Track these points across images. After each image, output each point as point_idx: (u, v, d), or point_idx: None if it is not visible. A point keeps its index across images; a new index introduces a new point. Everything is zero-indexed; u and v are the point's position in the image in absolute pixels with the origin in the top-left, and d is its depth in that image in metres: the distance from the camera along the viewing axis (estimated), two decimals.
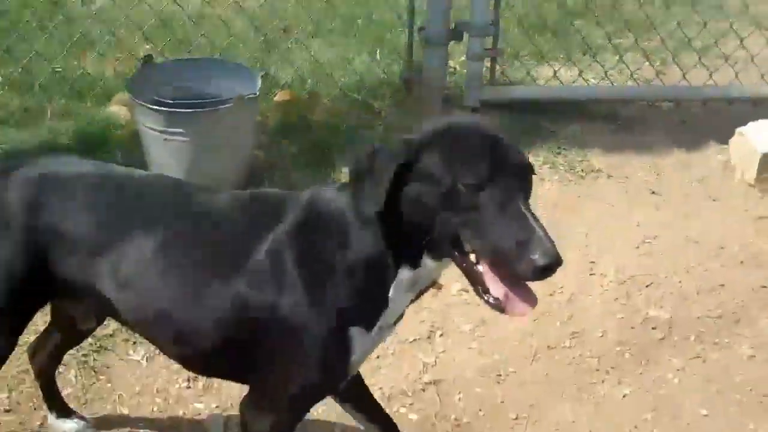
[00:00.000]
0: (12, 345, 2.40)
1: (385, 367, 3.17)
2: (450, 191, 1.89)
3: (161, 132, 3.81)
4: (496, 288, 1.90)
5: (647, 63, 5.25)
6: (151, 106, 3.80)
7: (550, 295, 3.54)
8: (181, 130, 3.79)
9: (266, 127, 4.48)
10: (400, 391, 3.07)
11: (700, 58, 5.14)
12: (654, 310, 3.51)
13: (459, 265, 1.96)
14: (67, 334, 2.71)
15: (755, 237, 3.99)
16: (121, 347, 3.14)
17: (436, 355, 3.24)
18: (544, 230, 1.84)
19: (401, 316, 2.22)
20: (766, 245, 3.93)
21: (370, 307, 2.10)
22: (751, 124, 4.59)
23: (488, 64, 4.88)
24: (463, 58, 4.87)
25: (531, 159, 4.06)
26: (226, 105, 3.82)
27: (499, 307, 1.90)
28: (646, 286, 3.64)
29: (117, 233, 2.20)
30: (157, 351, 2.88)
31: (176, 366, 3.01)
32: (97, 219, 2.22)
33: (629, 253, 3.83)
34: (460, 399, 3.05)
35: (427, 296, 3.29)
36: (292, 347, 2.11)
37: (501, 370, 3.18)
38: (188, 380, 3.03)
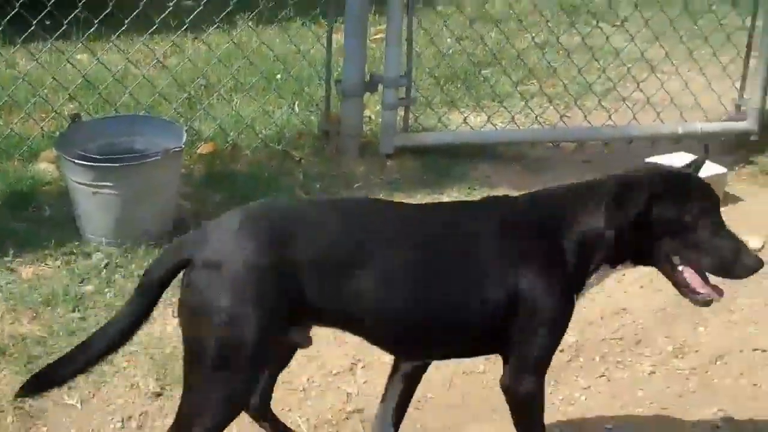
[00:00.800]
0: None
1: (311, 399, 3.33)
2: (679, 221, 2.55)
3: (89, 186, 3.98)
4: (702, 287, 2.61)
5: (551, 107, 5.53)
6: (79, 162, 3.96)
7: None
8: (109, 184, 3.97)
9: (191, 178, 4.67)
10: (325, 420, 3.23)
11: (600, 101, 5.46)
12: None
13: (668, 274, 2.66)
14: (282, 363, 2.96)
15: None
16: (56, 392, 3.24)
17: (359, 386, 3.41)
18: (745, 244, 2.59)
19: None
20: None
21: (576, 288, 2.67)
22: (648, 160, 4.89)
23: (402, 113, 5.11)
24: (378, 107, 5.11)
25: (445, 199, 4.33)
26: (153, 158, 4.00)
27: (706, 301, 2.62)
28: None
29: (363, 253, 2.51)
30: (92, 394, 3.08)
31: (111, 407, 3.19)
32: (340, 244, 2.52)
33: None
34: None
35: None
36: (547, 319, 2.59)
37: (420, 397, 3.34)
38: (122, 420, 3.16)
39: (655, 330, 3.82)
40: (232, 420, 2.53)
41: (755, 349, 3.70)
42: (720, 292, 2.62)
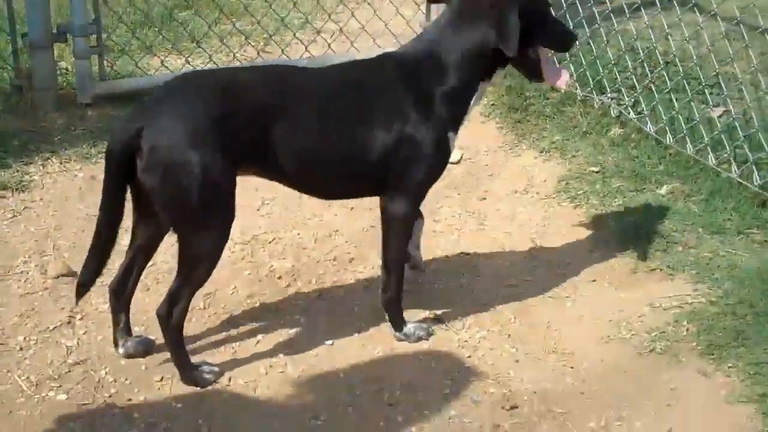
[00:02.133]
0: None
1: (29, 357, 3.24)
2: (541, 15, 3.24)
3: None
4: (553, 70, 3.33)
5: (249, 44, 5.56)
6: None
7: None
8: None
9: None
10: (47, 376, 3.15)
11: (295, 35, 5.54)
12: (277, 262, 3.84)
13: (526, 65, 3.29)
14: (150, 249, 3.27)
15: None
16: None
17: (78, 338, 3.36)
18: None
19: None
20: None
21: (459, 117, 3.27)
22: None
23: (98, 62, 4.99)
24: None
25: None
26: None
27: (564, 81, 3.32)
28: (269, 243, 3.97)
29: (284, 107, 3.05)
30: None
31: None
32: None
33: (251, 216, 4.13)
34: (105, 373, 3.20)
35: (62, 285, 3.43)
36: (420, 152, 3.17)
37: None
38: None
39: (366, 247, 3.97)
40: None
41: (460, 254, 3.95)
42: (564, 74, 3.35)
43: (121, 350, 3.27)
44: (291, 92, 3.09)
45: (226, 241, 3.08)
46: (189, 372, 3.16)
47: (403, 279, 3.40)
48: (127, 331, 3.28)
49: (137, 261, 3.25)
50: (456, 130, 3.28)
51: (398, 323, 3.41)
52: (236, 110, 2.96)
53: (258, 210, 4.18)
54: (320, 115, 3.11)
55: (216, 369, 3.20)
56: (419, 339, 3.41)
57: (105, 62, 5.00)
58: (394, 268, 3.37)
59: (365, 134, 3.14)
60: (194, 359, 3.22)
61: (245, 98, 3.01)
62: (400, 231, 3.33)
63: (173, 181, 2.87)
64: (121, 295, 3.25)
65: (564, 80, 3.33)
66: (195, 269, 3.04)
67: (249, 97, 3.02)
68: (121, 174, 2.94)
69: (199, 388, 3.13)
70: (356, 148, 3.15)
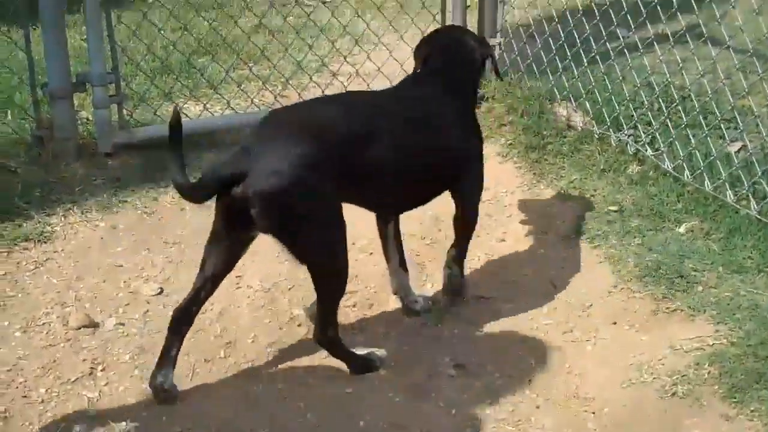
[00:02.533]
0: None
1: (50, 410, 3.26)
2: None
3: None
4: None
5: (267, 89, 5.59)
6: None
7: (202, 313, 3.78)
8: None
9: None
10: (68, 429, 3.18)
11: (311, 77, 5.57)
12: (297, 309, 3.85)
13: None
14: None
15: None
16: None
17: (100, 390, 3.38)
18: None
19: None
20: None
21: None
22: None
23: (117, 111, 5.02)
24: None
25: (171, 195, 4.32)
26: None
27: None
28: (289, 290, 3.98)
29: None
30: None
31: None
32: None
33: (271, 263, 4.12)
34: (127, 425, 3.19)
35: (85, 336, 3.47)
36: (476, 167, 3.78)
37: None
38: None
39: (385, 293, 3.97)
40: None
41: (479, 297, 3.95)
42: None
43: (159, 379, 3.30)
44: (374, 118, 3.42)
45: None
46: (360, 361, 3.50)
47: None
48: (173, 364, 3.34)
49: (205, 290, 3.36)
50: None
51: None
52: (332, 142, 3.22)
53: (277, 256, 4.17)
54: (404, 132, 3.46)
55: (383, 353, 3.57)
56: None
57: (124, 111, 5.04)
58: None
59: (438, 139, 3.59)
60: (216, 406, 3.24)
61: (338, 131, 3.29)
62: (473, 227, 3.90)
63: (297, 222, 3.18)
64: (185, 325, 3.35)
65: None
66: (334, 286, 3.37)
67: (340, 129, 3.30)
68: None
69: None
70: (434, 152, 3.57)
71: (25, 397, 3.31)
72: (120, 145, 4.95)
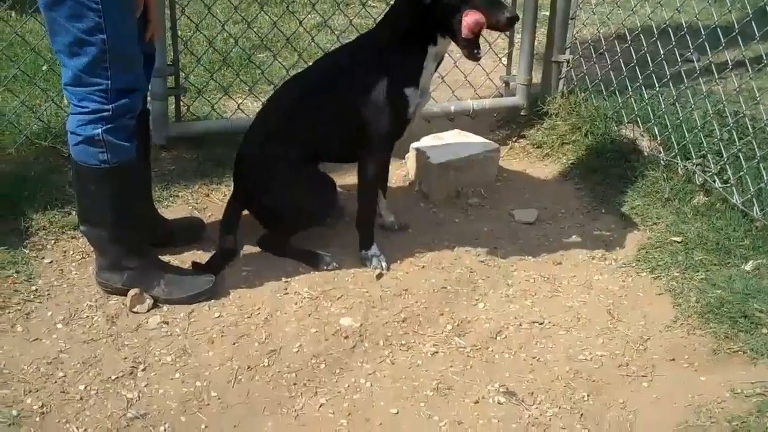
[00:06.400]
0: None
1: (88, 408, 3.18)
2: None
3: None
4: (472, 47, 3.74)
5: None
6: None
7: (248, 317, 3.71)
8: None
9: None
10: (105, 429, 3.09)
11: None
12: (345, 320, 3.74)
13: (457, 38, 3.74)
14: None
15: (435, 242, 4.34)
16: None
17: (140, 390, 3.30)
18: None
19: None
20: (445, 249, 4.28)
21: (414, 74, 3.90)
22: (424, 139, 4.97)
23: (174, 103, 4.96)
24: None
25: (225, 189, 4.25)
26: None
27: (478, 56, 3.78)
28: (337, 299, 3.87)
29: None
30: None
31: None
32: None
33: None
34: (165, 430, 3.13)
35: (128, 333, 3.39)
36: (378, 110, 3.89)
37: (204, 397, 3.29)
38: None
39: (436, 309, 3.86)
40: None
41: (533, 323, 3.80)
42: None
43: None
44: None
45: None
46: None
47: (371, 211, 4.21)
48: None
49: None
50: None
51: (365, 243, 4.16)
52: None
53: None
54: None
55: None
56: (374, 267, 4.09)
57: (181, 104, 4.97)
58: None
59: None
60: (256, 417, 3.15)
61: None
62: (373, 176, 4.12)
63: None
64: None
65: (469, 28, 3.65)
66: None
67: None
68: None
69: None
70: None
71: (64, 392, 3.24)
72: (174, 138, 4.88)
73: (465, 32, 3.66)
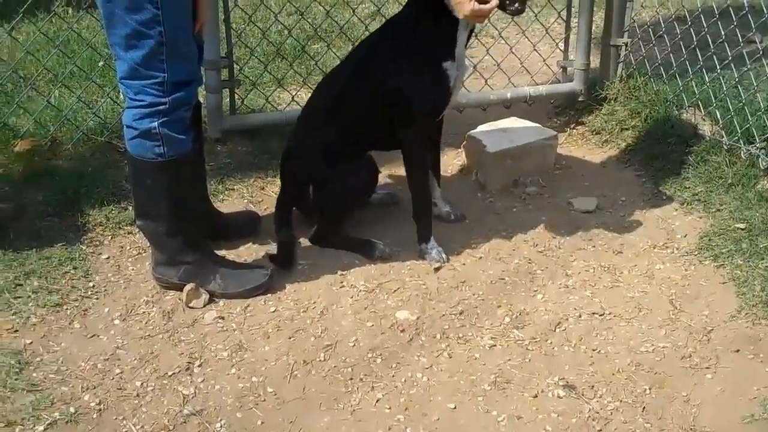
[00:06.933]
0: None
1: (145, 404, 3.18)
2: None
3: None
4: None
5: None
6: None
7: (304, 311, 3.69)
8: None
9: (9, 177, 4.41)
10: (162, 426, 3.09)
11: None
12: (401, 313, 3.71)
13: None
14: None
15: (492, 232, 4.28)
16: None
17: (196, 386, 3.29)
18: None
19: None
20: (503, 239, 4.23)
21: (449, 47, 3.86)
22: (480, 127, 4.90)
23: (228, 96, 4.95)
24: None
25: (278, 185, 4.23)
26: None
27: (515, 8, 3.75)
28: (393, 292, 3.84)
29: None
30: None
31: None
32: None
33: (376, 262, 4.03)
34: (221, 426, 3.12)
35: (184, 329, 3.38)
36: (419, 87, 3.88)
37: (260, 392, 3.28)
38: None
39: (494, 301, 3.80)
40: None
41: (593, 314, 3.73)
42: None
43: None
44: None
45: None
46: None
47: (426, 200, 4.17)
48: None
49: None
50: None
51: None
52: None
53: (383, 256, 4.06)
54: None
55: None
56: (434, 260, 4.04)
57: (236, 96, 4.97)
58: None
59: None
60: (312, 412, 3.14)
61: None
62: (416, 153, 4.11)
63: None
64: None
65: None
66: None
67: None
68: None
69: None
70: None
71: (120, 389, 3.25)
72: (229, 131, 4.88)
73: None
